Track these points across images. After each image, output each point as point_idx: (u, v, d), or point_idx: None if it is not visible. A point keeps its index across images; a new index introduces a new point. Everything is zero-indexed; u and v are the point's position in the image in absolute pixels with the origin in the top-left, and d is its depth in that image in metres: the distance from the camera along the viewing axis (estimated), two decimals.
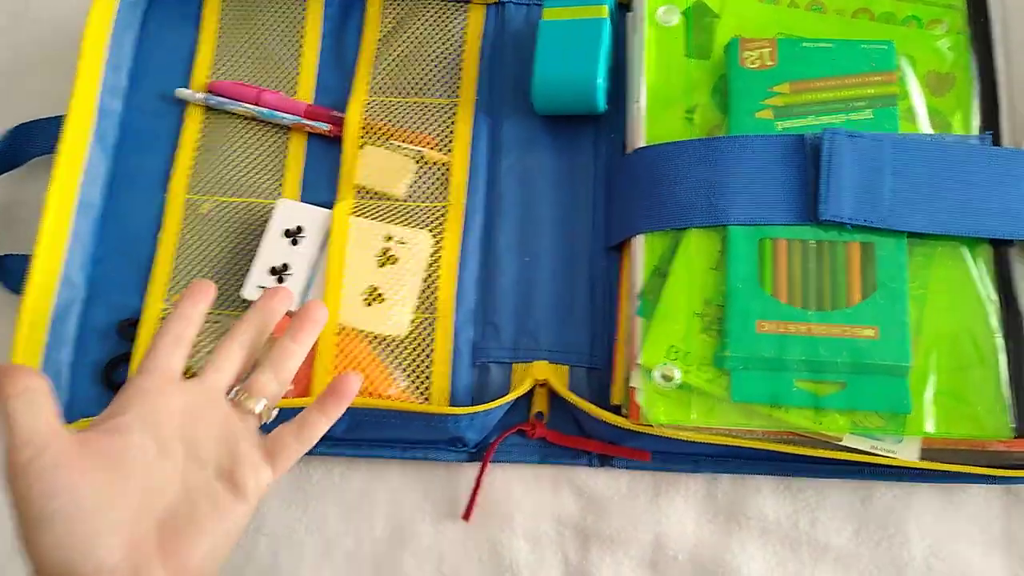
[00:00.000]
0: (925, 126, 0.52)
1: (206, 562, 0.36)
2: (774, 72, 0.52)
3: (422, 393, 0.51)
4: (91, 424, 0.37)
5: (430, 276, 0.53)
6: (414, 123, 0.57)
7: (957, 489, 0.51)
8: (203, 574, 0.36)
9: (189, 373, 0.42)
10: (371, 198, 0.56)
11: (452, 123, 0.57)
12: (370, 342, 0.52)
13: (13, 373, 0.34)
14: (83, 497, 0.33)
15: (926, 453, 0.47)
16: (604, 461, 0.52)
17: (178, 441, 0.37)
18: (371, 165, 0.56)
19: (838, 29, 0.54)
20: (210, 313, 0.54)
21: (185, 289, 0.43)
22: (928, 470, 0.48)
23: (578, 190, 0.56)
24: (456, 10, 0.60)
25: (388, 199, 0.56)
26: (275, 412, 0.40)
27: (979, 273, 0.49)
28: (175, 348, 0.40)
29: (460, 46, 0.60)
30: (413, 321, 0.53)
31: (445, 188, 0.56)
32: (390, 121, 0.57)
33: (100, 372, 0.53)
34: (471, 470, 0.52)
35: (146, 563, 0.34)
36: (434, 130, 0.57)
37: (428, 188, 0.56)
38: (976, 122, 0.52)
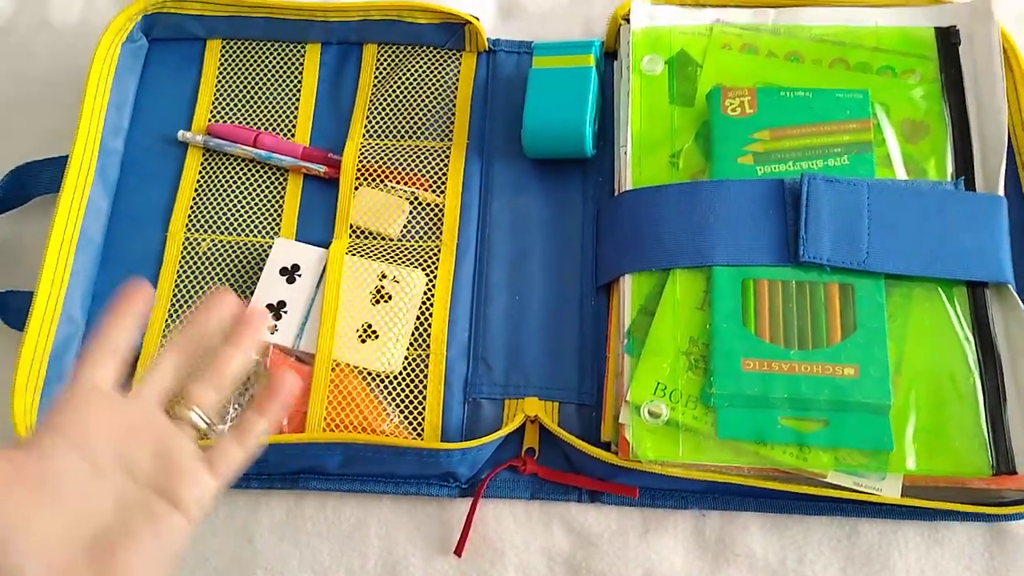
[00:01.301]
0: (900, 172, 0.54)
1: None
2: (754, 119, 0.54)
3: (415, 429, 0.52)
4: (23, 442, 0.35)
5: (423, 314, 0.55)
6: (408, 165, 0.59)
7: (941, 526, 0.52)
8: None
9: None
10: (366, 237, 0.57)
11: (445, 165, 0.59)
12: (364, 378, 0.53)
13: None
14: (9, 518, 0.32)
15: (908, 490, 0.48)
16: (594, 497, 0.52)
17: (113, 458, 0.35)
18: (366, 206, 0.58)
19: (815, 78, 0.56)
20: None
21: (118, 293, 0.39)
22: (912, 507, 0.49)
23: (567, 231, 0.58)
24: (449, 57, 0.62)
25: (383, 239, 0.57)
26: (221, 427, 0.38)
27: (956, 314, 0.50)
28: (107, 359, 0.37)
29: (453, 92, 0.61)
30: (406, 358, 0.54)
31: (438, 228, 0.57)
32: (385, 163, 0.59)
33: None
34: (463, 505, 0.52)
35: None
36: (428, 172, 0.59)
37: (421, 228, 0.58)
38: (950, 168, 0.54)
